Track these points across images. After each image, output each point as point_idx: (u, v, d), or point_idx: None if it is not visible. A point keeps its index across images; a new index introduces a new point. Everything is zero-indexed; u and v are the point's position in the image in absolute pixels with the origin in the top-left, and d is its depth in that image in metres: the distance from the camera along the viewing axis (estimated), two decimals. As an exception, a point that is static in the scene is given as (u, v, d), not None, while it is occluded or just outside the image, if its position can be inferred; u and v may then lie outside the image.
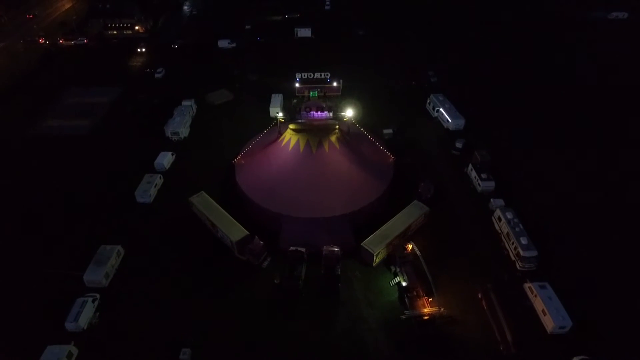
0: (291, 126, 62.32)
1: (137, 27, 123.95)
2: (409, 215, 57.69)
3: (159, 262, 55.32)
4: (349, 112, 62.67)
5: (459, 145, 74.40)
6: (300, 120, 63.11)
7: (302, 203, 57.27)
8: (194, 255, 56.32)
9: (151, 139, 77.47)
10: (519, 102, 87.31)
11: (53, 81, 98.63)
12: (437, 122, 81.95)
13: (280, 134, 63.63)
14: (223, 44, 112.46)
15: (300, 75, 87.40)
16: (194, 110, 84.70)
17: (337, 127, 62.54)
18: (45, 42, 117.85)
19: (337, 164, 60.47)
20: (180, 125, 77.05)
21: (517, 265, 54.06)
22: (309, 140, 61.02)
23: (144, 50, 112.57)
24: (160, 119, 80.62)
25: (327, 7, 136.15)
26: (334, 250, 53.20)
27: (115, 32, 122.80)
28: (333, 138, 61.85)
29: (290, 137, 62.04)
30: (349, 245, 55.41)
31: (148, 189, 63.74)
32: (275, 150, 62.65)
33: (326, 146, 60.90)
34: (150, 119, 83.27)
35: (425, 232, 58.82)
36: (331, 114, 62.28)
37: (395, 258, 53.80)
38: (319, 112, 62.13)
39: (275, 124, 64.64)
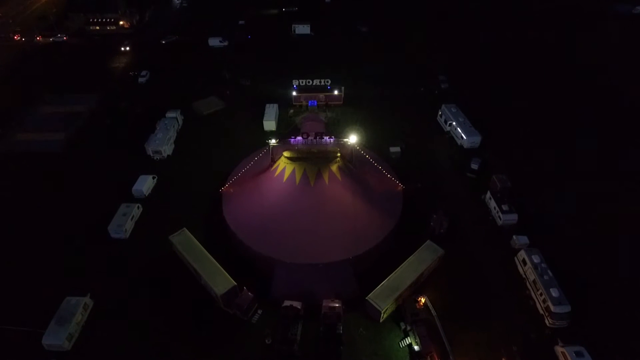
0: (286, 154, 54.23)
1: (121, 23, 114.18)
2: (422, 260, 50.11)
3: (133, 316, 47.97)
4: (352, 138, 54.13)
5: (474, 166, 66.34)
6: (296, 143, 54.77)
7: (298, 246, 49.74)
8: (175, 306, 48.97)
9: (131, 157, 69.45)
10: (544, 114, 77.84)
11: (26, 86, 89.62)
12: (450, 137, 73.62)
13: (274, 161, 55.53)
14: (214, 42, 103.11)
15: (297, 82, 79.35)
16: (180, 123, 76.30)
17: (339, 154, 54.40)
18: (21, 39, 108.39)
19: (339, 198, 52.61)
20: (163, 143, 68.86)
21: (546, 322, 46.76)
22: (306, 170, 53.08)
23: (128, 49, 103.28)
24: (143, 133, 72.35)
25: (327, 0, 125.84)
26: (335, 307, 45.87)
27: (97, 28, 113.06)
28: (334, 167, 53.86)
29: (285, 166, 54.05)
30: (352, 295, 48.14)
31: (123, 223, 56.04)
32: (267, 181, 54.69)
33: (326, 177, 52.94)
34: (131, 132, 74.98)
35: (439, 278, 51.29)
36: (332, 140, 53.79)
37: (406, 314, 46.52)
38: (317, 138, 53.48)
39: (268, 149, 56.13)
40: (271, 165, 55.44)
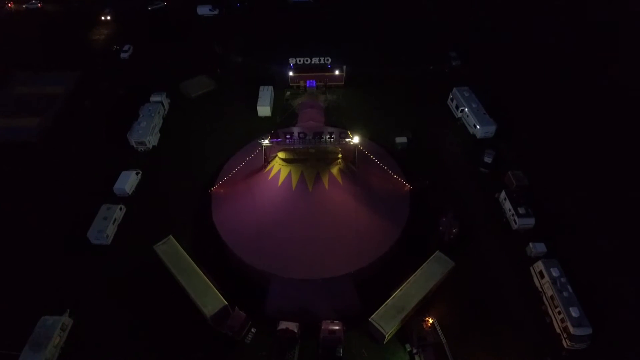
0: (280, 155, 48.48)
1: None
2: (430, 274, 45.74)
3: (118, 335, 44.11)
4: (355, 139, 48.13)
5: (488, 159, 60.70)
6: (291, 142, 48.96)
7: (294, 258, 45.34)
8: (163, 324, 45.01)
9: (113, 147, 63.58)
10: (572, 100, 69.63)
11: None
12: (461, 124, 67.32)
13: (267, 162, 49.85)
14: (203, 11, 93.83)
15: (294, 60, 71.96)
16: (166, 108, 69.65)
17: (340, 155, 48.67)
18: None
19: (340, 205, 47.54)
20: (147, 133, 62.66)
21: (564, 343, 43.14)
22: (303, 173, 47.63)
23: (109, 18, 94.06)
24: (125, 119, 65.99)
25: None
26: (335, 329, 42.02)
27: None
28: (334, 170, 48.35)
29: (279, 168, 48.51)
30: (354, 312, 44.26)
31: (104, 228, 51.20)
32: (260, 185, 49.33)
33: (325, 181, 47.55)
34: (112, 118, 68.65)
35: (447, 292, 47.02)
36: (332, 138, 47.82)
37: (412, 335, 42.79)
38: (316, 137, 47.43)
39: (261, 149, 50.14)
40: (264, 167, 49.79)
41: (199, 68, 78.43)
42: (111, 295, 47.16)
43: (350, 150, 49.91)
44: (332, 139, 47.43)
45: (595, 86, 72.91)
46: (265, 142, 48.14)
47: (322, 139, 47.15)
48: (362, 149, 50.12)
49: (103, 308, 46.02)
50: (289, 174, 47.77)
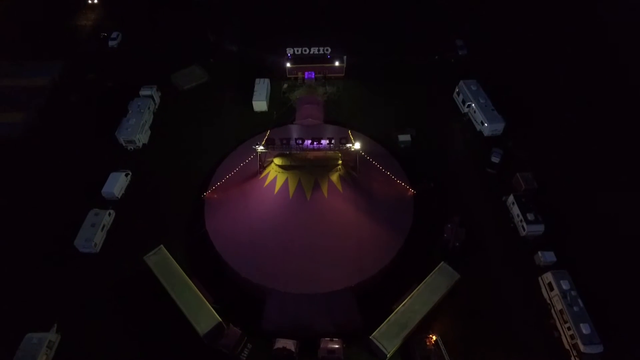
0: (277, 161, 45.46)
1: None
2: (434, 288, 43.63)
3: (107, 350, 42.22)
4: (357, 145, 44.95)
5: (495, 159, 57.80)
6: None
7: (292, 272, 43.10)
8: (155, 339, 43.15)
9: (101, 146, 60.39)
10: (586, 97, 65.27)
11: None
12: (467, 119, 63.97)
13: (263, 168, 46.84)
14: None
15: (292, 50, 67.98)
16: (157, 102, 66.05)
17: (340, 162, 45.64)
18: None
19: (340, 214, 44.93)
20: (136, 130, 59.35)
21: (573, 360, 41.47)
22: (301, 181, 44.84)
23: (96, 2, 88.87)
24: (114, 113, 62.69)
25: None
26: (334, 348, 40.13)
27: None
28: (334, 177, 45.48)
29: (276, 175, 45.57)
30: (354, 328, 42.32)
31: (92, 236, 48.65)
32: (255, 193, 46.51)
33: (325, 189, 44.74)
34: (100, 113, 65.17)
35: (452, 307, 44.84)
36: (332, 144, 44.68)
37: (414, 353, 40.96)
38: (315, 143, 44.31)
39: (256, 155, 46.95)
40: (260, 173, 46.81)
41: (192, 57, 74.32)
42: (101, 308, 45.01)
43: (351, 154, 46.81)
44: (331, 145, 44.26)
45: (612, 81, 68.78)
46: (260, 148, 44.92)
47: (321, 144, 43.76)
48: (363, 154, 46.97)
49: (92, 322, 43.96)
50: (286, 182, 44.98)
